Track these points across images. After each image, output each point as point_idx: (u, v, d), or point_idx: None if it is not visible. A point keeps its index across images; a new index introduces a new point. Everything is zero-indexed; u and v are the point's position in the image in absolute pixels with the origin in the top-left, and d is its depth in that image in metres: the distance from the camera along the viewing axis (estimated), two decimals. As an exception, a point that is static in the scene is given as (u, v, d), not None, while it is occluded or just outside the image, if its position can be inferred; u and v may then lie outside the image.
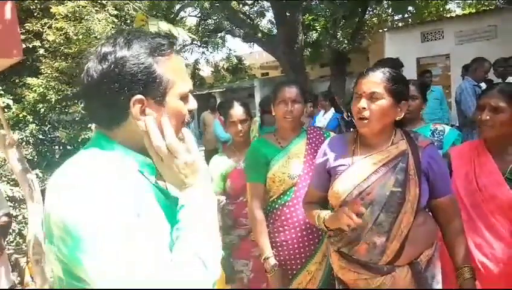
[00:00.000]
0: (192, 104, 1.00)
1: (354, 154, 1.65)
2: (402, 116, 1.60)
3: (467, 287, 1.58)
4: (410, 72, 7.73)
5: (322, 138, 2.22)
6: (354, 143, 1.68)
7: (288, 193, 2.14)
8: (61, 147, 4.75)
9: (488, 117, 1.80)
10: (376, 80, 1.56)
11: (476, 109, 1.91)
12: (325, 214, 1.69)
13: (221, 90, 13.25)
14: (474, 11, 11.41)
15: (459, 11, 13.11)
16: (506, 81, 4.69)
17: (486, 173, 1.84)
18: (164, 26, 1.82)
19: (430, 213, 1.71)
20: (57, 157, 4.69)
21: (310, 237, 2.11)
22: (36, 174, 3.82)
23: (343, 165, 1.65)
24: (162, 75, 0.92)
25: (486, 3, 11.51)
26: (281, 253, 2.14)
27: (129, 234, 0.81)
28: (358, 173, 1.60)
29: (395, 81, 1.57)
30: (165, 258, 0.84)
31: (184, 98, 0.98)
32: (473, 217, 1.82)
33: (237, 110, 2.48)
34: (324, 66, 11.88)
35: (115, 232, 0.81)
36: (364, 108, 1.55)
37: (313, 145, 2.19)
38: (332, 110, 5.06)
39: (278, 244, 2.15)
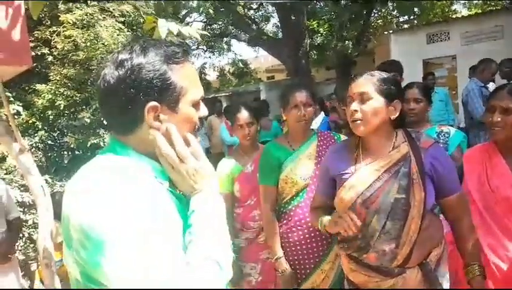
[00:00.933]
0: (203, 111, 1.03)
1: (357, 161, 1.66)
2: (397, 115, 1.60)
3: (476, 285, 1.59)
4: (416, 73, 7.73)
5: (333, 141, 2.28)
6: (356, 149, 1.69)
7: (300, 194, 2.20)
8: (70, 153, 4.79)
9: (499, 119, 1.81)
10: (364, 82, 1.59)
11: (485, 111, 1.91)
12: (326, 220, 1.70)
13: (227, 94, 13.29)
14: (480, 11, 11.33)
15: (465, 12, 13.04)
16: (512, 81, 4.66)
17: (498, 175, 1.85)
18: (174, 27, 1.84)
19: (435, 212, 1.72)
20: (65, 162, 4.73)
21: (323, 236, 2.14)
22: (46, 179, 3.85)
23: (347, 172, 1.65)
24: (176, 82, 0.95)
25: (493, 4, 11.42)
26: (295, 253, 2.19)
27: (147, 238, 0.83)
28: (361, 181, 1.60)
29: (383, 81, 1.58)
30: (181, 261, 0.86)
31: (196, 105, 1.00)
32: (486, 219, 1.82)
33: (244, 114, 2.51)
34: (330, 69, 11.86)
35: (133, 236, 0.82)
36: (356, 110, 1.57)
37: (324, 147, 2.24)
38: (322, 113, 5.05)
39: (292, 244, 2.20)
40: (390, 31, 9.95)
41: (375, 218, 1.56)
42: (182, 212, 0.97)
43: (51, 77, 4.46)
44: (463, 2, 13.41)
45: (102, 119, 3.97)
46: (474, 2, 13.11)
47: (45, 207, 2.31)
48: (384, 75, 1.63)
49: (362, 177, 1.60)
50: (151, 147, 0.96)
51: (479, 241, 1.70)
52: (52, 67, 4.54)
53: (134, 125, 0.95)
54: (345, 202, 1.61)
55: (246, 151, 2.56)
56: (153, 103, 0.93)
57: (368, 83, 1.59)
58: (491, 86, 4.83)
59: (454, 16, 12.10)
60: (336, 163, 1.71)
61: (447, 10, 12.77)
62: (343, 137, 2.30)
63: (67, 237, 0.89)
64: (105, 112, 0.99)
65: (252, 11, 11.98)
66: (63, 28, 4.46)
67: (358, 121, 1.58)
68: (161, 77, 0.93)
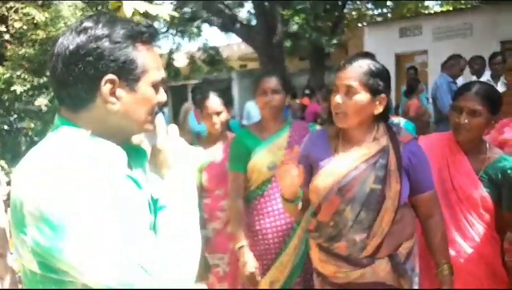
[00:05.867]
0: (162, 96, 1.00)
1: (336, 150, 1.64)
2: (381, 110, 1.58)
3: (447, 284, 1.62)
4: (388, 67, 7.78)
5: (307, 131, 2.22)
6: (336, 138, 1.66)
7: (266, 183, 2.17)
8: (27, 138, 4.55)
9: (466, 121, 1.77)
10: (352, 74, 1.53)
11: (452, 109, 1.87)
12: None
13: (197, 82, 13.04)
14: (451, 8, 11.55)
15: (437, 8, 13.28)
16: (481, 79, 4.76)
17: (461, 173, 1.83)
18: (141, 5, 1.72)
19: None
20: (23, 148, 4.45)
21: (284, 227, 2.15)
22: (1, 166, 3.65)
23: (324, 160, 1.62)
24: (138, 59, 0.93)
25: (463, 2, 11.67)
26: (256, 242, 2.18)
27: (108, 222, 0.80)
28: (338, 169, 1.58)
29: (372, 74, 1.53)
30: (146, 243, 0.84)
31: (155, 87, 0.98)
32: (445, 217, 1.80)
33: (213, 102, 2.39)
34: (303, 59, 11.83)
35: (94, 220, 0.79)
36: (339, 104, 1.53)
37: (296, 138, 2.19)
38: None
39: (254, 234, 2.19)
40: (364, 24, 10.01)
41: (349, 207, 1.57)
42: (140, 197, 0.95)
43: (7, 57, 4.17)
44: (434, -1, 13.63)
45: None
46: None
47: (0, 194, 2.23)
48: (374, 67, 1.57)
49: (339, 166, 1.59)
50: (104, 126, 0.93)
51: (447, 239, 1.70)
52: (8, 47, 4.24)
53: (88, 100, 0.91)
54: (320, 189, 1.61)
55: (215, 140, 2.46)
56: (111, 76, 0.90)
57: (356, 76, 1.53)
58: (460, 81, 4.92)
59: (426, 12, 12.30)
60: (314, 150, 1.69)
61: (419, 6, 12.95)
62: (318, 128, 2.28)
63: (19, 224, 0.84)
64: (58, 81, 0.92)
65: (225, -4, 11.71)
66: (21, 4, 4.16)
67: (341, 114, 1.55)
68: (124, 51, 0.91)
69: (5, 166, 3.93)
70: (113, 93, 0.91)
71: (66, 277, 0.83)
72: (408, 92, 5.43)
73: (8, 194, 2.08)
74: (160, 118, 1.01)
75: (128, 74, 0.92)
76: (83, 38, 0.89)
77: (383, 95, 1.58)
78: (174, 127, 1.04)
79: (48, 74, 0.96)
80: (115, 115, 0.93)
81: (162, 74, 1.00)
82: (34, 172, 0.84)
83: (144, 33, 0.95)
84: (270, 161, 2.17)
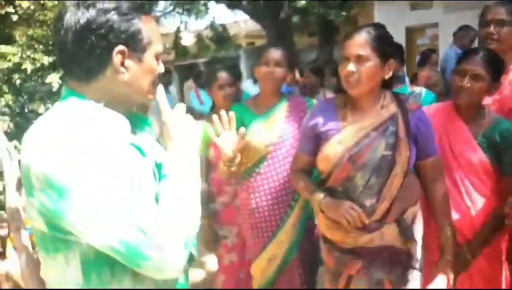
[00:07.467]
0: (162, 67, 1.05)
1: (345, 119, 1.65)
2: (390, 74, 1.60)
3: (449, 245, 1.66)
4: (399, 41, 7.64)
5: (304, 106, 2.19)
6: (344, 107, 1.67)
7: (262, 160, 2.12)
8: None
9: (468, 85, 1.79)
10: (361, 42, 1.55)
11: (455, 73, 1.88)
12: (321, 196, 1.67)
13: (205, 60, 12.95)
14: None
15: (448, -21, 12.88)
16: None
17: (461, 140, 1.86)
18: None
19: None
20: (35, 129, 4.55)
21: (281, 205, 2.13)
22: (14, 145, 3.72)
23: (333, 129, 1.64)
24: (145, 31, 0.97)
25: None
26: (252, 220, 2.17)
27: (111, 185, 0.84)
28: (349, 137, 1.60)
29: (380, 40, 1.55)
30: (147, 207, 0.88)
31: (157, 59, 1.03)
32: (447, 183, 1.83)
33: (222, 75, 2.42)
34: (312, 35, 11.65)
35: (97, 184, 0.83)
36: (353, 72, 1.54)
37: (293, 113, 2.14)
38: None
39: (250, 211, 2.17)
40: (374, -3, 9.78)
41: (359, 173, 1.60)
42: (145, 166, 0.99)
43: (17, 39, 4.18)
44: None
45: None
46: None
47: (13, 173, 2.27)
48: (382, 32, 1.60)
49: (350, 134, 1.61)
50: (111, 97, 0.97)
51: (449, 202, 1.75)
52: (17, 28, 4.25)
53: (99, 71, 0.95)
54: (330, 158, 1.63)
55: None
56: (121, 47, 0.93)
57: (365, 44, 1.55)
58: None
59: (437, -17, 11.94)
60: (322, 119, 1.69)
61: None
62: (315, 102, 2.22)
63: (28, 187, 0.88)
64: (69, 55, 0.95)
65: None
66: (28, -16, 4.15)
67: (354, 82, 1.56)
68: (131, 23, 0.95)
69: (18, 145, 4.01)
70: (122, 63, 0.95)
71: (72, 236, 0.88)
72: (420, 62, 5.31)
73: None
74: (160, 89, 1.04)
75: (136, 44, 0.96)
76: (92, 12, 0.92)
77: (392, 60, 1.61)
78: (181, 106, 1.08)
79: (56, 52, 0.98)
80: (123, 85, 0.97)
81: (161, 46, 1.04)
82: (41, 139, 0.87)
83: (145, 5, 0.99)
84: (266, 138, 2.12)
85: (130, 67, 0.96)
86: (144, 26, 0.97)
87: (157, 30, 1.02)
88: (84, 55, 0.93)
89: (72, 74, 0.98)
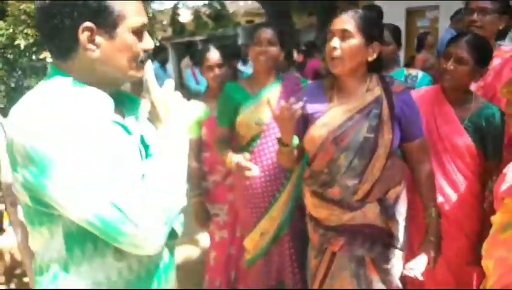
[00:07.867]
0: (148, 43, 1.02)
1: (331, 101, 1.68)
2: (374, 57, 1.61)
3: (433, 225, 1.71)
4: (399, 23, 7.55)
5: (298, 86, 2.21)
6: (331, 89, 1.70)
7: (255, 139, 2.16)
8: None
9: (452, 67, 1.82)
10: (348, 19, 1.58)
11: (442, 56, 1.91)
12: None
13: (203, 38, 12.79)
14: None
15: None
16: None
17: (447, 123, 1.89)
18: None
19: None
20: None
21: (274, 182, 2.18)
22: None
23: (320, 111, 1.67)
24: (113, 5, 0.94)
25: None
26: (246, 197, 2.22)
27: (91, 160, 0.85)
28: (334, 119, 1.64)
29: (366, 20, 1.58)
30: (128, 185, 0.88)
31: (137, 34, 0.99)
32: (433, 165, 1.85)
33: (213, 54, 2.41)
34: (311, 15, 11.49)
35: (77, 158, 0.84)
36: (335, 47, 1.56)
37: (287, 92, 2.15)
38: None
39: (243, 188, 2.22)
40: (375, -23, 9.60)
41: (343, 155, 1.64)
42: (128, 143, 1.00)
43: (8, 13, 4.11)
44: None
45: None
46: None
47: (4, 146, 2.27)
48: (369, 14, 1.62)
49: (335, 116, 1.65)
50: (90, 73, 0.97)
51: (435, 184, 1.79)
52: (9, 2, 4.17)
53: (72, 49, 0.94)
54: (315, 140, 1.67)
55: (215, 94, 2.46)
56: (87, 23, 0.92)
57: (350, 20, 1.58)
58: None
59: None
60: (309, 101, 1.72)
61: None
62: (309, 82, 2.24)
63: (12, 162, 0.90)
64: (43, 33, 0.98)
65: None
66: (19, -43, 4.05)
67: (337, 59, 1.58)
68: None
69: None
70: (92, 40, 0.94)
71: (55, 210, 0.90)
72: (418, 46, 5.30)
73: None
74: (149, 67, 1.02)
75: (104, 20, 0.93)
76: None
77: (376, 42, 1.63)
78: (170, 82, 1.06)
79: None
80: (97, 62, 0.96)
81: (142, 20, 1.00)
82: (24, 115, 0.88)
83: None
84: (259, 117, 2.14)
85: (100, 44, 0.95)
86: (114, 1, 0.95)
87: (133, 3, 0.98)
88: (55, 33, 0.93)
89: (51, 52, 0.99)
